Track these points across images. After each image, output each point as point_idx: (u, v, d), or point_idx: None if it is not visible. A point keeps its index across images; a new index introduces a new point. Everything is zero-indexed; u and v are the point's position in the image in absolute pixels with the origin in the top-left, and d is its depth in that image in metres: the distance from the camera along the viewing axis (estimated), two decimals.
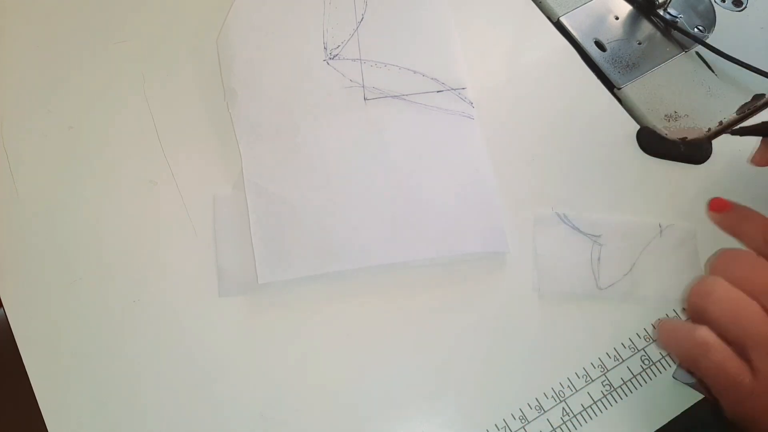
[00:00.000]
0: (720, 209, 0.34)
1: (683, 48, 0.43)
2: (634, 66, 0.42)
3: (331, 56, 0.40)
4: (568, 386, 0.34)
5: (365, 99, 0.39)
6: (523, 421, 0.33)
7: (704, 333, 0.28)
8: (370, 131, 0.38)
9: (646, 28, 0.44)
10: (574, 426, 0.33)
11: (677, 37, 0.43)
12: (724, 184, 0.39)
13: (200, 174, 0.38)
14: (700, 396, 0.33)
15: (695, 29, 0.43)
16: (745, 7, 0.45)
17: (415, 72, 0.39)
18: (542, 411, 0.33)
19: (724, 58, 0.40)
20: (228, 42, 0.40)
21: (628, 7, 0.44)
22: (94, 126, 0.39)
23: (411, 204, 0.36)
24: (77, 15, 0.43)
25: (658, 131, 0.40)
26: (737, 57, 0.39)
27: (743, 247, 0.32)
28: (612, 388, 0.34)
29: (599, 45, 0.43)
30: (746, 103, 0.40)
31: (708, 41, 0.41)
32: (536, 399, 0.34)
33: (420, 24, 0.41)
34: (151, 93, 0.40)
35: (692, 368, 0.30)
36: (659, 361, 0.34)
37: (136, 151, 0.39)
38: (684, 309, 0.35)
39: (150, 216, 0.37)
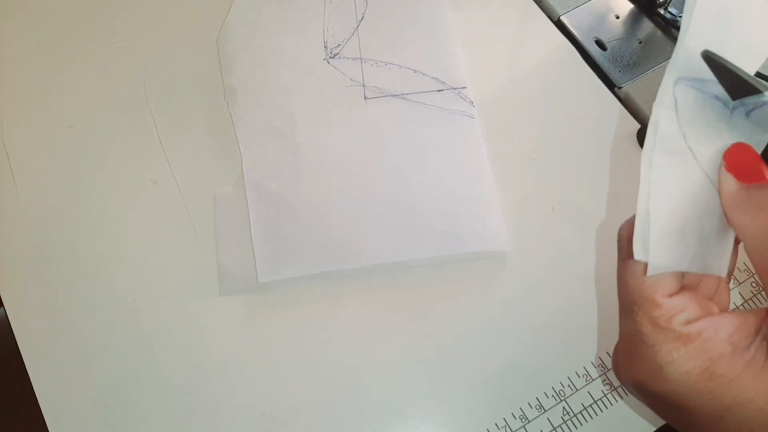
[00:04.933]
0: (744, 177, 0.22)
1: None
2: (635, 65, 0.42)
3: (332, 55, 0.40)
4: (569, 385, 0.34)
5: (365, 98, 0.39)
6: (523, 420, 0.33)
7: None
8: (371, 130, 0.38)
9: (647, 27, 0.44)
10: (574, 425, 0.33)
11: (678, 36, 0.43)
12: None
13: (200, 173, 0.38)
14: None
15: None
16: None
17: (415, 71, 0.39)
18: (543, 410, 0.33)
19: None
20: (228, 41, 0.40)
21: (629, 6, 0.44)
22: (94, 125, 0.39)
23: (411, 203, 0.36)
24: (77, 14, 0.43)
25: None
26: None
27: None
28: (612, 388, 0.34)
29: (600, 44, 0.43)
30: None
31: None
32: (537, 398, 0.34)
33: (420, 23, 0.41)
34: (151, 92, 0.40)
35: None
36: None
37: (137, 151, 0.39)
38: None
39: (150, 215, 0.37)
